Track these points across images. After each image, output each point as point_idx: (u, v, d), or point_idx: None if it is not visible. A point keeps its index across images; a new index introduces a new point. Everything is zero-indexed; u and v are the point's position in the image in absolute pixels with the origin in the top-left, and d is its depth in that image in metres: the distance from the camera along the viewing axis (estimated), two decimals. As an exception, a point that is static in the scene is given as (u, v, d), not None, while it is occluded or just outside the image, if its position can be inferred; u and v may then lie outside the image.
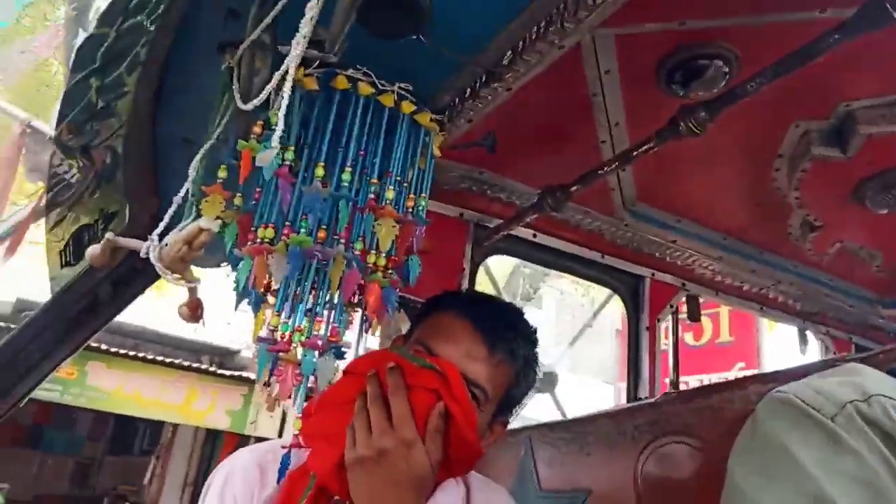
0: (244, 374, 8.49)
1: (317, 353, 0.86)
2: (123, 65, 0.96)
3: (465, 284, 1.86)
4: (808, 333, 2.33)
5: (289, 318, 0.88)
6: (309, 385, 0.85)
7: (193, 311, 0.72)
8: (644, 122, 1.46)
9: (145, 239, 0.79)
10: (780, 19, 1.25)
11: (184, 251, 0.63)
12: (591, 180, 1.56)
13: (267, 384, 0.83)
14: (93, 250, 0.73)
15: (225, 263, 1.32)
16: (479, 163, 1.75)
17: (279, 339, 0.87)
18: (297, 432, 0.84)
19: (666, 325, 2.29)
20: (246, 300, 0.91)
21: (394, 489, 0.78)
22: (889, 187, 1.55)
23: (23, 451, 10.02)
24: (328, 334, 0.89)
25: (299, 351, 0.87)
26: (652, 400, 1.58)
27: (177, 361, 8.03)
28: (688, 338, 5.58)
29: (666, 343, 2.60)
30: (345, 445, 0.80)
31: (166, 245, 0.66)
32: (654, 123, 1.38)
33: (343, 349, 0.90)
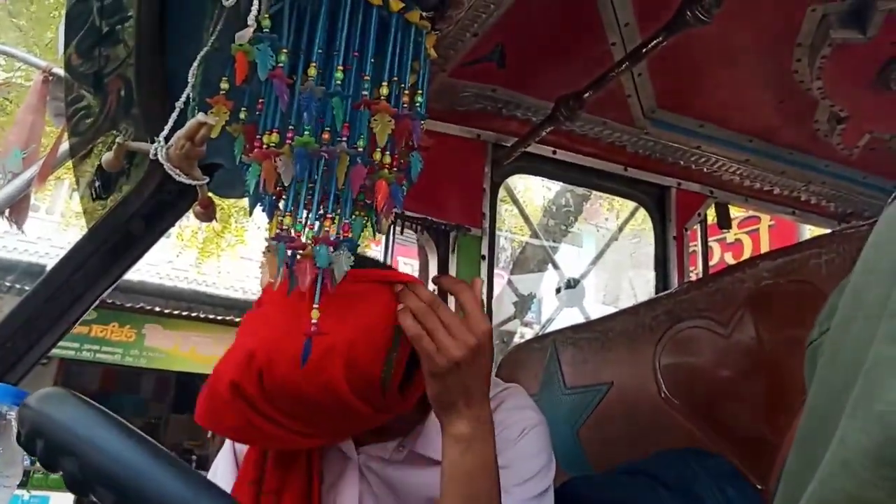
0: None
1: (330, 248, 0.90)
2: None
3: (485, 206, 1.88)
4: (844, 234, 2.27)
5: (301, 218, 0.92)
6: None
7: (205, 208, 0.77)
8: (654, 19, 1.42)
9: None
10: None
11: (187, 147, 0.68)
12: (603, 84, 1.54)
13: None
14: (107, 157, 0.78)
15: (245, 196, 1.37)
16: (491, 79, 1.75)
17: (294, 236, 0.91)
18: (314, 321, 0.89)
19: (694, 249, 2.24)
20: (260, 206, 0.96)
21: (483, 381, 0.86)
22: (915, 66, 1.49)
23: (93, 415, 10.61)
24: (340, 230, 0.92)
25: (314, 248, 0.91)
26: (669, 291, 1.60)
27: (227, 318, 8.33)
28: (727, 258, 5.50)
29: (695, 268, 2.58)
30: None
31: (171, 146, 0.71)
32: (665, 18, 1.35)
33: (356, 243, 0.94)
